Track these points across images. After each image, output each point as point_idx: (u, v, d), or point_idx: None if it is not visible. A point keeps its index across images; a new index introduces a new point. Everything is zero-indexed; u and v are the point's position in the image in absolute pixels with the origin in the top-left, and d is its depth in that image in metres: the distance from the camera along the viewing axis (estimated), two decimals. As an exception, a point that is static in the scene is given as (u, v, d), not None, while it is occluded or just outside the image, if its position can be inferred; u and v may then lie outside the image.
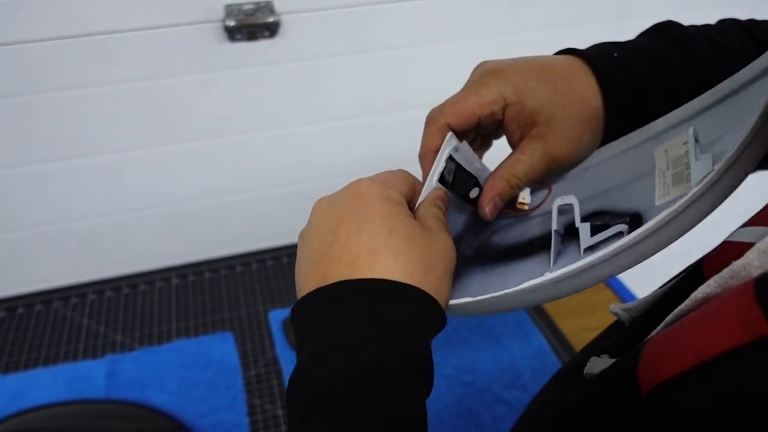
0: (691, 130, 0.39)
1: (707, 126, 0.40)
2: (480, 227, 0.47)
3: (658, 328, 0.32)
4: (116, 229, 1.01)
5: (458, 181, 0.44)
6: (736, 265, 0.28)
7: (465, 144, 0.45)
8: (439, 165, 0.43)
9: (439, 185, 0.43)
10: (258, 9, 0.85)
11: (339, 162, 1.04)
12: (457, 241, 0.44)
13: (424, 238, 0.37)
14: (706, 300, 0.30)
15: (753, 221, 0.34)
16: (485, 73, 0.45)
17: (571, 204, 0.43)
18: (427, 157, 0.44)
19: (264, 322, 0.93)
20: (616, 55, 0.46)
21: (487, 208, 0.44)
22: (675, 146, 0.40)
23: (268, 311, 0.95)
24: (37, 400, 0.82)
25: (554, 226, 0.42)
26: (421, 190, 0.42)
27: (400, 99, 1.00)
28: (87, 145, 0.91)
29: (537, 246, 0.43)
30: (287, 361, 0.87)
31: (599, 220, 0.42)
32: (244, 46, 0.88)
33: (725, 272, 0.29)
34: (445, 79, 1.02)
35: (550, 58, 0.47)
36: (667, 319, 0.31)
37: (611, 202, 0.43)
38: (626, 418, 0.29)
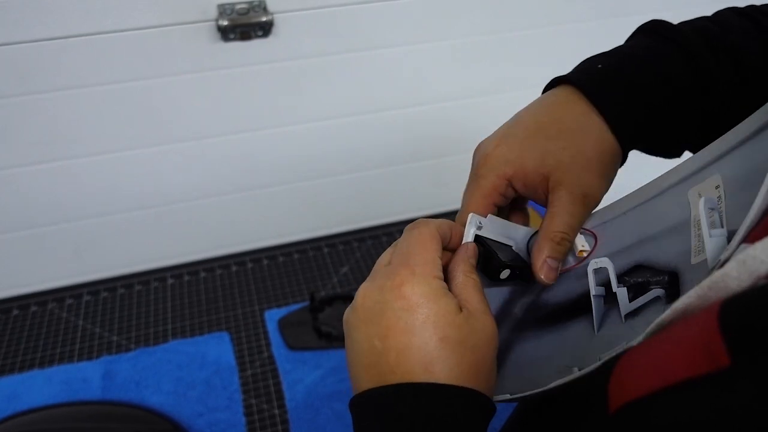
0: (718, 178, 0.38)
1: (735, 165, 0.39)
2: (528, 285, 0.47)
3: (639, 338, 0.32)
4: (111, 230, 1.00)
5: (488, 265, 0.43)
6: (716, 275, 0.28)
7: (489, 217, 0.44)
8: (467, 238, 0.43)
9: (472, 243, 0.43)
10: (251, 8, 0.85)
11: (333, 161, 1.04)
12: (507, 303, 0.44)
13: (471, 336, 0.36)
14: (685, 311, 0.29)
15: (747, 239, 0.34)
16: (479, 164, 0.46)
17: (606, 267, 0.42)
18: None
19: (260, 321, 0.93)
20: (599, 66, 0.46)
21: (541, 275, 0.43)
22: (708, 190, 0.39)
23: (263, 311, 0.95)
24: (33, 402, 0.82)
25: (593, 291, 0.42)
26: (458, 234, 0.42)
27: (393, 98, 1.00)
28: (80, 146, 0.91)
29: (584, 305, 0.43)
30: (283, 360, 0.87)
31: (639, 276, 0.41)
32: (237, 46, 0.88)
33: (705, 283, 0.28)
34: (438, 78, 1.02)
35: (532, 107, 0.48)
36: (648, 329, 0.31)
37: (650, 254, 0.42)
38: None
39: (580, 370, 0.39)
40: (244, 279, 1.01)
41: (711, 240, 0.36)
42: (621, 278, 0.42)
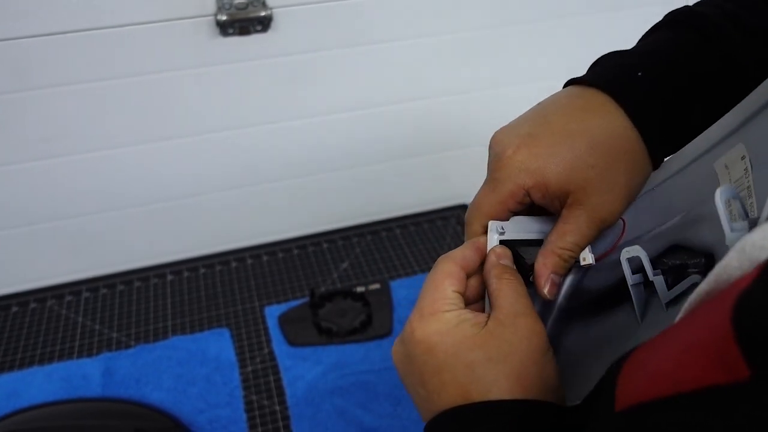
0: (742, 148, 0.36)
1: (761, 131, 0.36)
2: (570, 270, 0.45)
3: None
4: (110, 226, 1.00)
5: (518, 264, 0.42)
6: (719, 267, 0.27)
7: (513, 219, 0.43)
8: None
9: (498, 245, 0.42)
10: (250, 3, 0.85)
11: (333, 156, 1.04)
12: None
13: (502, 347, 0.36)
14: (692, 307, 0.29)
15: None
16: (496, 167, 0.42)
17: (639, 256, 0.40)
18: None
19: (260, 317, 0.93)
20: (639, 74, 0.42)
21: (545, 291, 0.41)
22: (734, 162, 0.37)
23: (263, 307, 0.95)
24: (33, 399, 0.81)
25: (629, 281, 0.40)
26: (483, 249, 0.42)
27: (393, 92, 1.00)
28: (79, 142, 0.91)
29: (626, 291, 0.41)
30: (284, 356, 0.86)
31: (677, 257, 0.40)
32: (237, 41, 0.87)
33: (710, 277, 0.27)
34: (439, 72, 1.02)
35: (561, 107, 0.43)
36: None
37: (684, 233, 0.40)
38: (597, 428, 0.29)
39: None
40: (243, 275, 1.01)
41: (732, 235, 0.33)
42: (659, 261, 0.41)
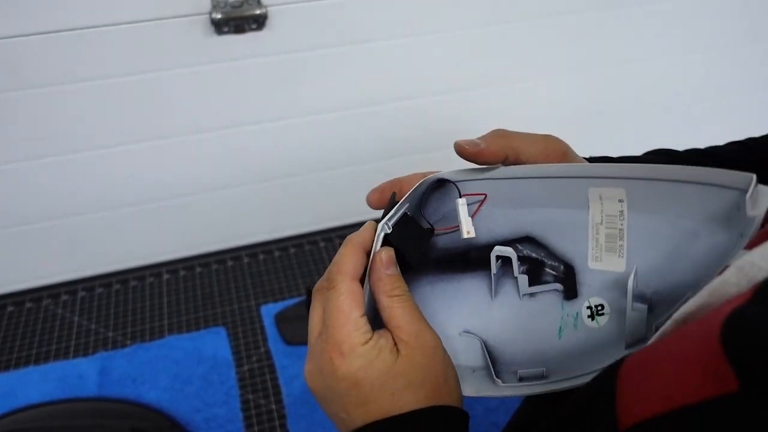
0: (623, 192, 0.40)
1: (641, 195, 0.40)
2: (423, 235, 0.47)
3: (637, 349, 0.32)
4: (105, 226, 1.00)
5: (404, 264, 0.42)
6: (715, 282, 0.28)
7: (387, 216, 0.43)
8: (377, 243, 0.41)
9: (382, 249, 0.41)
10: (245, 1, 0.84)
11: (328, 154, 1.03)
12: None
13: (417, 370, 0.38)
14: (685, 320, 0.29)
15: (748, 245, 0.34)
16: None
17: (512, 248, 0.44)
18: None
19: (256, 316, 0.93)
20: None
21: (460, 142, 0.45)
22: (610, 198, 0.41)
23: (260, 305, 0.95)
24: (29, 398, 0.81)
25: (493, 271, 0.45)
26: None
27: (389, 91, 1.00)
28: (74, 141, 0.90)
29: (476, 260, 0.45)
30: (280, 355, 0.86)
31: (533, 251, 0.44)
32: (232, 39, 0.87)
33: (704, 291, 0.28)
34: (434, 70, 1.01)
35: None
36: (651, 341, 0.32)
37: (543, 231, 0.44)
38: None
39: (485, 342, 0.45)
40: (240, 274, 1.01)
41: (632, 314, 0.38)
42: (512, 244, 0.45)
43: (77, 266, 1.01)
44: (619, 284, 0.41)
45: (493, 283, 0.45)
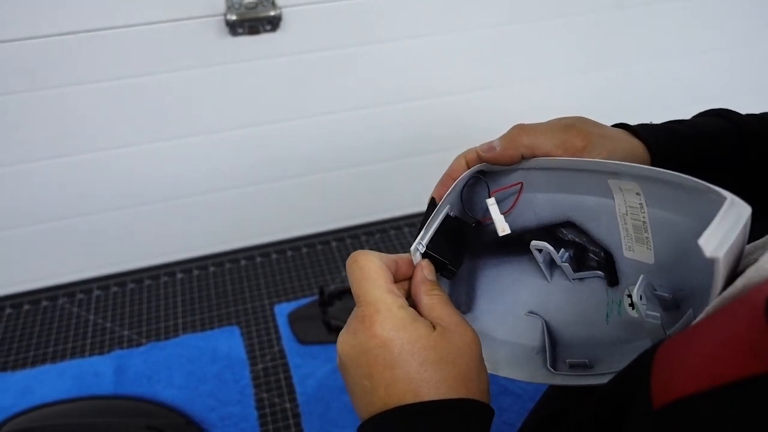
0: (638, 186, 0.40)
1: (657, 196, 0.40)
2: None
3: (672, 330, 0.32)
4: (120, 225, 1.01)
5: (444, 272, 0.45)
6: (750, 272, 0.28)
7: (420, 233, 0.45)
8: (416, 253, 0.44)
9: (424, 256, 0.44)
10: (259, 3, 0.85)
11: (342, 154, 1.04)
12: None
13: (451, 350, 0.38)
14: (722, 303, 0.30)
15: None
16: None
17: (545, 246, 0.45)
18: (445, 183, 0.47)
19: (270, 315, 0.94)
20: (657, 125, 0.47)
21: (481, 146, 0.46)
22: (629, 190, 0.41)
23: (273, 305, 0.95)
24: (46, 396, 0.82)
25: (539, 260, 0.46)
26: (404, 262, 0.43)
27: (401, 91, 1.00)
28: (90, 141, 0.91)
29: (527, 243, 0.46)
30: (294, 354, 0.87)
31: (576, 235, 0.45)
32: (246, 40, 0.87)
33: (738, 282, 0.28)
34: (446, 71, 1.02)
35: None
36: (675, 327, 0.32)
37: (581, 216, 0.45)
38: (637, 429, 0.29)
39: (547, 324, 0.46)
40: (253, 273, 1.02)
41: (647, 321, 0.39)
42: (557, 229, 0.46)
43: (92, 265, 1.02)
44: (652, 275, 0.41)
45: (544, 268, 0.47)
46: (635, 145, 0.45)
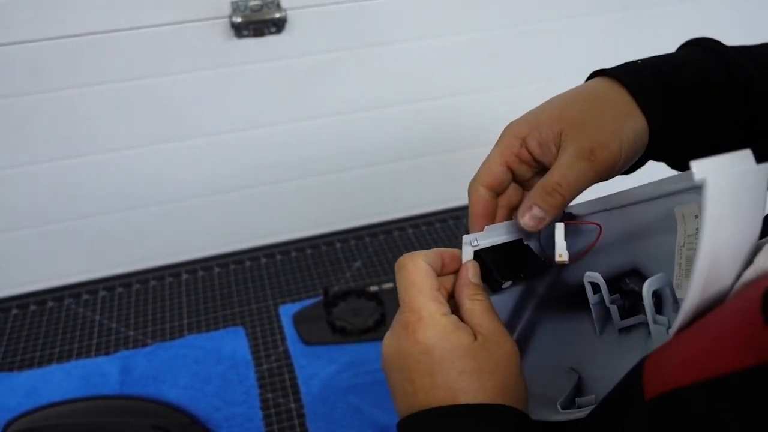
0: (695, 207, 0.38)
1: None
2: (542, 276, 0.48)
3: (672, 328, 0.32)
4: (125, 226, 1.01)
5: (489, 279, 0.44)
6: (748, 272, 0.28)
7: (487, 228, 0.45)
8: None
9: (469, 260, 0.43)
10: (264, 5, 0.85)
11: (346, 156, 1.04)
12: (530, 283, 0.46)
13: (490, 360, 0.38)
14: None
15: None
16: (503, 133, 0.47)
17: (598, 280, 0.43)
18: (476, 223, 0.45)
19: (274, 316, 0.94)
20: (639, 62, 0.46)
21: (522, 219, 0.43)
22: (690, 216, 0.39)
23: (278, 305, 0.96)
24: (52, 396, 0.83)
25: (591, 301, 0.44)
26: (450, 257, 0.43)
27: (405, 93, 1.01)
28: (96, 143, 0.92)
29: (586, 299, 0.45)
30: (298, 355, 0.87)
31: (635, 283, 0.43)
32: (251, 42, 0.88)
33: (739, 285, 0.29)
34: (450, 72, 1.02)
35: (570, 89, 0.48)
36: (675, 327, 0.32)
37: (647, 262, 0.43)
38: (630, 421, 0.30)
39: (583, 379, 0.43)
40: (257, 274, 1.02)
41: (655, 327, 0.38)
42: (621, 280, 0.44)
43: (98, 266, 1.03)
44: None
45: (594, 315, 0.44)
46: (636, 118, 0.44)
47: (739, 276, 0.30)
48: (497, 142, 0.46)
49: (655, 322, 0.38)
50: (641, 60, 0.47)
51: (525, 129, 0.44)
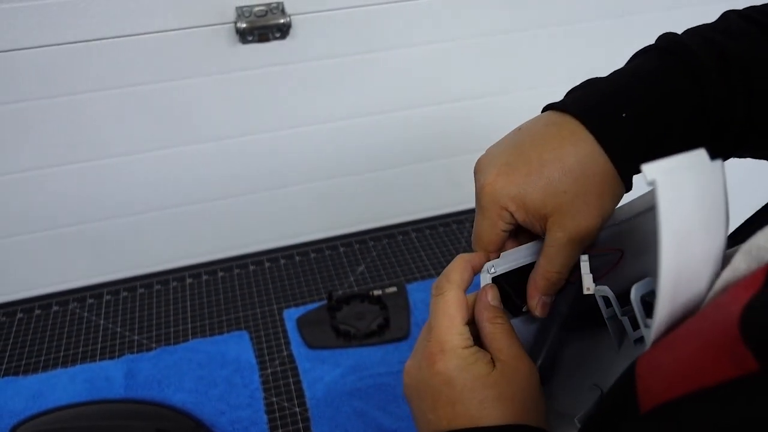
0: None
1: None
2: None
3: (648, 340, 0.33)
4: (130, 230, 1.02)
5: (508, 305, 0.46)
6: (726, 273, 0.29)
7: (504, 254, 0.46)
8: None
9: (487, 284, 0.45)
10: (269, 10, 0.86)
11: (350, 161, 1.05)
12: (552, 302, 0.46)
13: (509, 387, 0.40)
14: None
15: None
16: (481, 192, 0.46)
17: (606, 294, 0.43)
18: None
19: (278, 320, 0.94)
20: (612, 101, 0.45)
21: (536, 312, 0.45)
22: None
23: (282, 310, 0.96)
24: (57, 400, 0.83)
25: (605, 315, 0.44)
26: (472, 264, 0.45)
27: (409, 97, 1.01)
28: (101, 148, 0.92)
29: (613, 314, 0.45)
30: (302, 359, 0.88)
31: (652, 297, 0.42)
32: (256, 48, 0.89)
33: (717, 285, 0.29)
34: (453, 77, 1.03)
35: (536, 136, 0.46)
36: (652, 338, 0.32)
37: (652, 267, 0.41)
38: None
39: (602, 390, 0.43)
40: (261, 278, 1.02)
41: (646, 331, 0.38)
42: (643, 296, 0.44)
43: (103, 270, 1.03)
44: None
45: (610, 329, 0.45)
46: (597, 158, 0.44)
47: (718, 275, 0.31)
48: (482, 210, 0.46)
49: (646, 326, 0.39)
50: (606, 92, 0.46)
51: (512, 206, 0.44)
